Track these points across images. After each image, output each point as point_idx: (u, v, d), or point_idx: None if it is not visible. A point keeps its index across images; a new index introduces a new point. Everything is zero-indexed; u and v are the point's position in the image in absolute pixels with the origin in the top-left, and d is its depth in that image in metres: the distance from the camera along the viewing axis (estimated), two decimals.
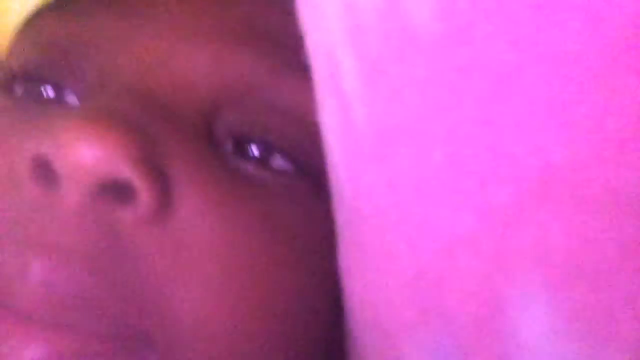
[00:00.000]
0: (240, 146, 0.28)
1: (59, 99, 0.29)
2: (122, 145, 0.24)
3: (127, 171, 0.24)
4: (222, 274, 0.25)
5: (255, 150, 0.28)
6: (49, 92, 0.29)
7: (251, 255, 0.26)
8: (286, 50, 0.28)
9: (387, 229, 0.22)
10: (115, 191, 0.24)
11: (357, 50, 0.22)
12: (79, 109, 0.26)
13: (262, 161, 0.28)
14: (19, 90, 0.30)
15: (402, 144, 0.22)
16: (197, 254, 0.25)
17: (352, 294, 0.25)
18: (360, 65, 0.22)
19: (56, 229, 0.24)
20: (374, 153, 0.22)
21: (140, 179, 0.24)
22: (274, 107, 0.28)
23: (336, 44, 0.23)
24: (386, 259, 0.23)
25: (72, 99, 0.29)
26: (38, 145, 0.24)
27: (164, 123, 0.26)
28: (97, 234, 0.24)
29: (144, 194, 0.24)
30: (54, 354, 0.23)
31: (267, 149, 0.28)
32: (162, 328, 0.25)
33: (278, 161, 0.28)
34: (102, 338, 0.24)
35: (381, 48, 0.22)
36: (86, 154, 0.23)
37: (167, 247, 0.25)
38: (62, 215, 0.24)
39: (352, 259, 0.25)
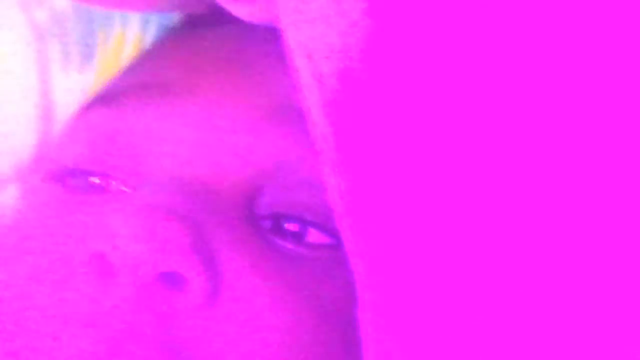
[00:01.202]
0: (277, 223, 0.29)
1: (106, 187, 0.30)
2: (172, 239, 0.25)
3: (178, 264, 0.26)
4: (270, 354, 0.26)
5: (291, 227, 0.29)
6: (97, 181, 0.30)
7: (295, 333, 0.27)
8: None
9: None
10: (169, 280, 0.26)
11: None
12: (129, 205, 0.27)
13: (299, 237, 0.29)
14: (69, 182, 0.31)
15: None
16: (246, 334, 0.26)
17: None
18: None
19: (114, 315, 0.26)
20: None
21: (192, 270, 0.26)
22: (306, 182, 0.29)
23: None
24: None
25: (118, 187, 0.30)
26: (96, 242, 0.26)
27: (208, 209, 0.28)
28: (154, 320, 0.26)
29: (196, 283, 0.26)
30: None
31: (303, 225, 0.29)
32: None
33: (314, 236, 0.29)
34: None
35: None
36: (140, 250, 0.25)
37: (218, 328, 0.26)
38: (119, 303, 0.26)
39: None
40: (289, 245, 0.28)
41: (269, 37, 0.29)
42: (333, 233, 0.28)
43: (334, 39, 0.24)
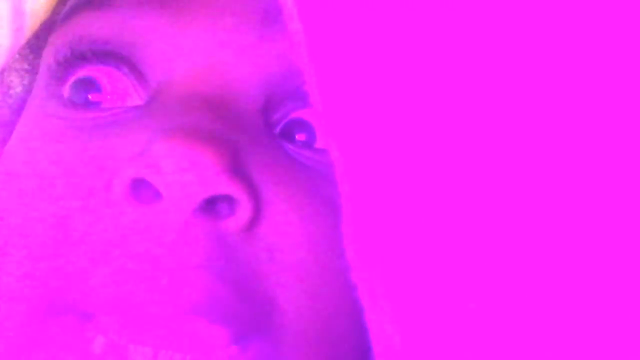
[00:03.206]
0: (288, 132, 0.29)
1: (108, 101, 0.29)
2: (217, 163, 0.25)
3: (226, 187, 0.25)
4: (308, 264, 0.27)
5: (301, 136, 0.29)
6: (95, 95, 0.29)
7: (322, 239, 0.27)
8: None
9: None
10: (215, 204, 0.26)
11: None
12: (154, 124, 0.26)
13: (308, 144, 0.29)
14: (65, 92, 0.29)
15: None
16: (287, 250, 0.27)
17: None
18: None
19: (163, 244, 0.25)
20: None
21: (239, 192, 0.26)
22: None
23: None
24: None
25: (122, 100, 0.29)
26: (135, 168, 0.25)
27: (235, 127, 0.27)
28: (207, 246, 0.25)
29: (244, 204, 0.26)
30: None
31: (311, 132, 0.29)
32: (272, 322, 0.26)
33: (320, 141, 0.29)
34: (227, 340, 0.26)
35: None
36: (188, 177, 0.25)
37: (263, 249, 0.26)
38: (168, 230, 0.25)
39: None
40: (301, 152, 0.29)
41: None
42: None
43: None
